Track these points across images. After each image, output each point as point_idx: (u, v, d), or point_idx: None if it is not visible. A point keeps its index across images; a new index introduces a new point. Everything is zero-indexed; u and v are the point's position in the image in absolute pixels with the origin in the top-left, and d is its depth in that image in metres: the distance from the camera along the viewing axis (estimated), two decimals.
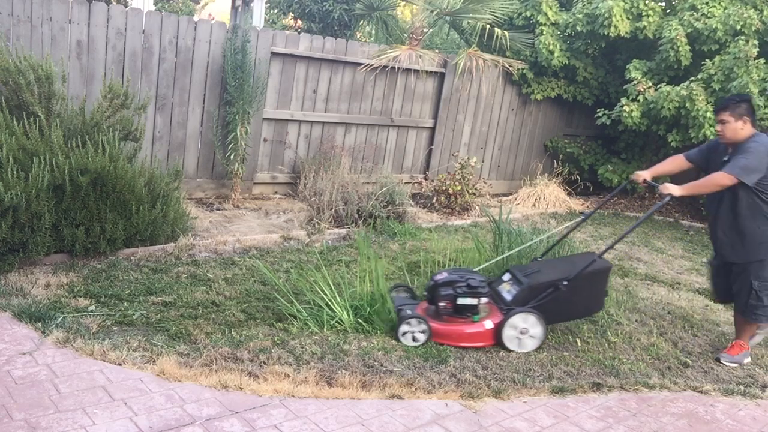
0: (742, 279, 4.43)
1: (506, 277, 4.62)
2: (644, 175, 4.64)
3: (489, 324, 4.29)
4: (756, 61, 7.82)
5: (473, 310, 4.31)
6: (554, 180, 9.41)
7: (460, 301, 4.27)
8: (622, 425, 3.56)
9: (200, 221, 6.16)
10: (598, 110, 9.06)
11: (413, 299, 4.64)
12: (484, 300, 4.31)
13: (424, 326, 4.19)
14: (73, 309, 4.06)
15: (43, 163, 4.54)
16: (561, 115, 10.13)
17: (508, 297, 4.44)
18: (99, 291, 4.38)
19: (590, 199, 9.74)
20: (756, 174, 4.16)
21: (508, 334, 4.27)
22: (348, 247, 6.12)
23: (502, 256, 5.19)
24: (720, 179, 4.18)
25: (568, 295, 4.35)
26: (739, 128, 4.24)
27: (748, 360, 4.60)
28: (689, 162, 4.70)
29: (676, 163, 4.72)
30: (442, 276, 4.39)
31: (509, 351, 4.26)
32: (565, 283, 4.33)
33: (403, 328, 4.18)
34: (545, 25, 9.05)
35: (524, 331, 4.28)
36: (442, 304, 4.29)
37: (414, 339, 4.19)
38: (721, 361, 4.52)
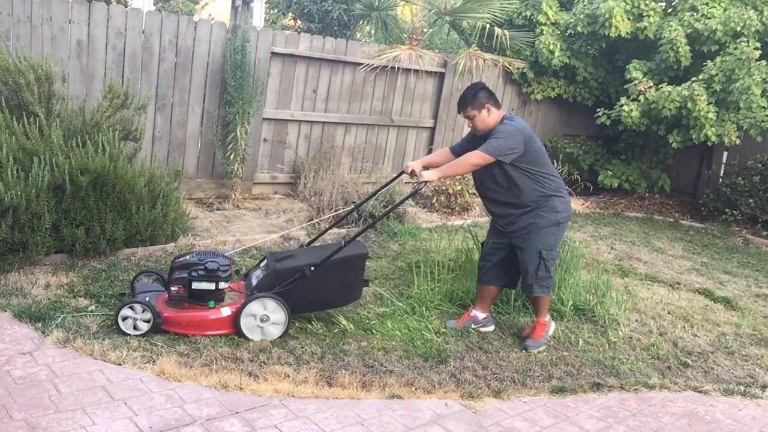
0: (530, 253, 4.27)
1: (263, 263, 4.34)
2: (413, 166, 4.42)
3: (226, 311, 3.97)
4: (757, 62, 7.83)
5: (212, 295, 3.96)
6: None
7: (195, 285, 3.92)
8: (622, 425, 3.56)
9: (200, 221, 6.16)
10: (598, 110, 9.06)
11: (162, 286, 4.24)
12: (223, 285, 3.96)
13: (148, 315, 3.84)
14: (73, 309, 4.06)
15: (43, 163, 4.54)
16: (561, 115, 10.13)
17: (254, 282, 4.15)
18: (99, 291, 4.38)
19: (590, 199, 9.74)
20: (511, 153, 4.10)
21: (246, 321, 3.96)
22: None
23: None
24: (474, 159, 4.08)
25: (316, 282, 4.08)
26: (486, 117, 4.28)
27: (552, 330, 4.48)
28: (453, 154, 4.56)
29: (443, 155, 4.61)
30: (182, 259, 4.05)
31: (248, 340, 3.94)
32: (312, 268, 4.05)
33: (125, 312, 3.81)
34: (545, 24, 9.05)
35: (264, 318, 3.97)
36: (174, 288, 3.94)
37: (135, 327, 3.84)
38: (530, 350, 4.32)
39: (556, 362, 4.20)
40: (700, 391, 4.08)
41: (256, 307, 3.96)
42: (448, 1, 8.54)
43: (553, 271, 4.38)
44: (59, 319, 3.85)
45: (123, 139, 5.24)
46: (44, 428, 2.85)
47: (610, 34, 8.48)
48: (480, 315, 4.59)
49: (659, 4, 8.98)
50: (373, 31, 11.33)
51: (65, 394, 3.14)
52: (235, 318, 3.95)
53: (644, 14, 8.59)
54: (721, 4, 8.51)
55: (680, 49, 8.25)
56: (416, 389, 3.61)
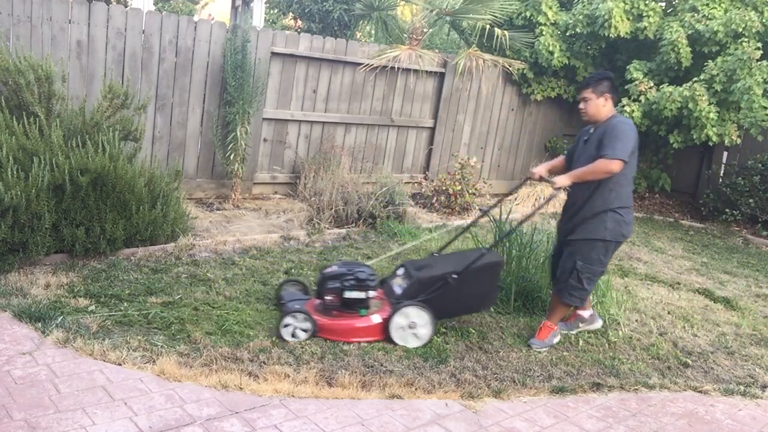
0: (568, 257, 4.37)
1: (400, 271, 4.53)
2: (538, 171, 4.52)
3: (377, 318, 4.17)
4: (759, 63, 7.83)
5: (361, 304, 4.17)
6: None
7: (348, 294, 4.14)
8: (622, 425, 3.55)
9: (200, 221, 6.16)
10: None
11: (305, 294, 4.51)
12: (372, 294, 4.18)
13: (308, 323, 4.04)
14: (73, 309, 4.06)
15: (43, 163, 4.54)
16: (561, 115, 10.13)
17: (398, 291, 4.35)
18: (99, 291, 4.38)
19: None
20: (629, 156, 4.13)
21: (396, 328, 4.15)
22: (348, 247, 6.12)
23: (390, 253, 4.99)
24: (611, 166, 4.05)
25: (457, 289, 4.25)
26: (601, 105, 4.24)
27: (557, 339, 4.50)
28: (566, 158, 4.64)
29: (561, 160, 4.68)
30: (332, 269, 4.26)
31: (396, 345, 4.13)
32: (454, 276, 4.23)
33: (286, 320, 4.02)
34: (545, 25, 9.04)
35: (412, 325, 4.16)
36: (329, 297, 4.16)
37: (293, 335, 4.03)
38: (533, 348, 4.36)
39: (556, 362, 4.20)
40: (700, 391, 4.07)
41: (405, 314, 4.15)
42: (449, 1, 8.54)
43: (588, 285, 4.37)
44: (59, 319, 3.85)
45: (123, 139, 5.24)
46: (44, 428, 2.85)
47: (610, 35, 8.48)
48: (585, 313, 4.65)
49: (659, 4, 8.97)
50: (373, 31, 11.32)
51: (65, 394, 3.14)
52: (385, 325, 4.15)
53: (644, 15, 8.59)
54: (722, 4, 8.51)
55: (681, 50, 8.25)
56: (416, 389, 3.61)
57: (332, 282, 4.16)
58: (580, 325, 4.70)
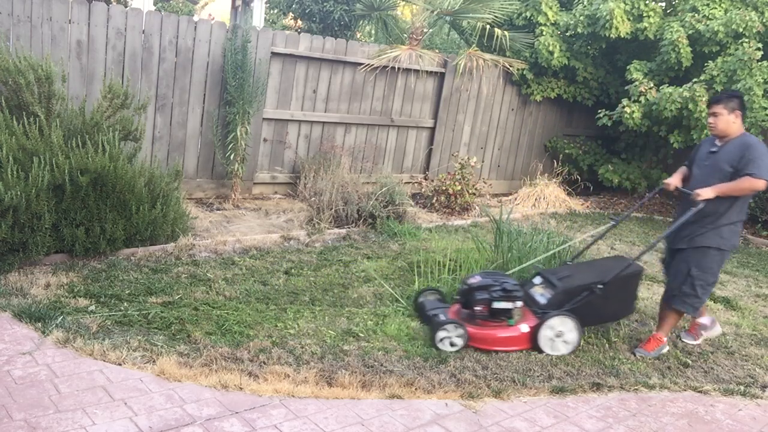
0: (681, 264, 4.44)
1: (537, 280, 4.64)
2: (674, 182, 4.65)
3: (525, 328, 4.30)
4: (759, 63, 7.83)
5: (508, 314, 4.31)
6: (554, 180, 9.41)
7: (496, 305, 4.27)
8: (622, 425, 3.55)
9: (200, 221, 6.16)
10: (599, 111, 9.06)
11: (443, 303, 4.64)
12: (519, 304, 4.32)
13: (461, 330, 4.18)
14: (73, 309, 4.06)
15: (43, 163, 4.54)
16: (561, 115, 10.13)
17: (542, 300, 4.46)
18: (99, 291, 4.38)
19: (590, 199, 9.74)
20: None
21: (545, 337, 4.29)
22: (348, 247, 6.12)
23: (535, 260, 5.12)
24: (757, 185, 4.17)
25: (602, 298, 4.38)
26: (731, 121, 4.32)
27: (665, 350, 4.57)
28: (687, 169, 4.76)
29: (683, 171, 4.78)
30: (476, 280, 4.37)
31: (543, 353, 4.28)
32: (600, 286, 4.36)
33: (441, 334, 4.16)
34: (545, 25, 9.04)
35: (559, 334, 4.31)
36: (478, 308, 4.27)
37: (452, 344, 4.17)
38: (636, 355, 4.49)
39: (556, 362, 4.20)
40: (700, 391, 4.08)
41: (553, 323, 4.29)
42: (449, 1, 8.54)
43: (702, 293, 4.43)
44: (59, 319, 3.85)
45: (123, 139, 5.24)
46: (44, 428, 2.85)
47: (611, 35, 8.48)
48: (705, 320, 4.73)
49: (659, 4, 8.97)
50: (373, 31, 11.33)
51: (65, 394, 3.14)
52: (533, 334, 4.28)
53: (644, 15, 8.59)
54: (722, 4, 8.51)
55: (682, 50, 8.25)
56: (416, 389, 3.61)
57: (481, 293, 4.27)
58: (702, 333, 4.80)
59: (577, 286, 4.41)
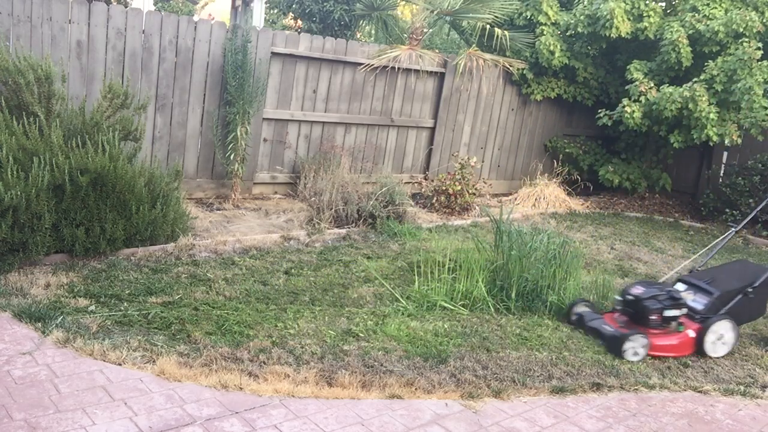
0: None
1: (682, 287, 4.89)
2: None
3: (691, 333, 4.57)
4: (759, 63, 7.83)
5: (677, 320, 4.59)
6: (554, 180, 9.41)
7: (667, 313, 4.53)
8: (622, 425, 3.55)
9: (200, 221, 6.16)
10: (599, 111, 9.06)
11: (596, 312, 4.88)
12: (684, 311, 4.60)
13: (645, 341, 4.41)
14: (73, 309, 4.06)
15: (43, 163, 4.54)
16: (561, 115, 10.13)
17: (698, 306, 4.73)
18: (99, 291, 4.38)
19: (590, 199, 9.74)
20: None
21: (709, 341, 4.57)
22: (348, 247, 6.12)
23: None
24: None
25: (749, 300, 4.73)
26: None
27: None
28: None
29: None
30: (641, 290, 4.60)
31: (707, 357, 4.56)
32: (751, 289, 4.74)
33: (628, 345, 4.39)
34: (546, 25, 9.04)
35: (720, 336, 4.60)
36: (653, 317, 4.51)
37: (635, 354, 4.40)
38: None
39: (556, 362, 4.20)
40: (700, 391, 4.08)
41: (716, 327, 4.58)
42: (449, 1, 8.53)
43: None
44: (59, 319, 3.85)
45: (123, 139, 5.24)
46: (44, 428, 2.85)
47: (611, 35, 8.48)
48: None
49: (659, 4, 8.97)
50: (373, 31, 11.32)
51: (65, 394, 3.14)
52: (698, 338, 4.56)
53: (644, 15, 8.59)
54: (722, 4, 8.51)
55: (682, 50, 8.25)
56: (416, 389, 3.61)
57: (652, 302, 4.51)
58: None
59: (732, 290, 4.75)
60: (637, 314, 4.58)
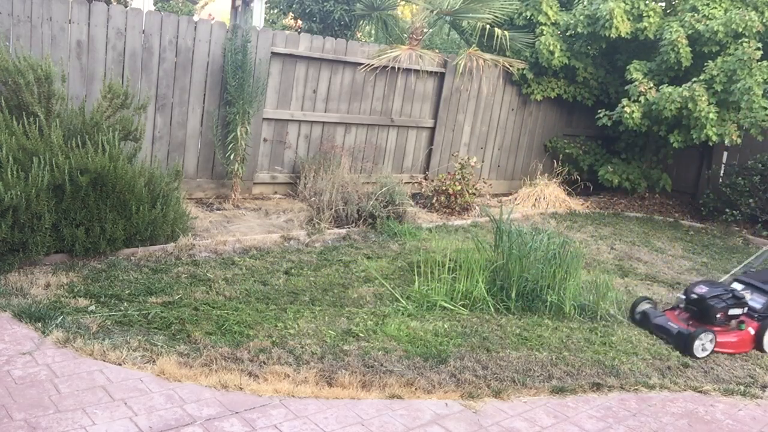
0: None
1: (740, 286, 5.07)
2: None
3: (752, 330, 4.79)
4: (759, 63, 7.83)
5: (739, 318, 4.80)
6: (554, 180, 9.41)
7: (732, 311, 4.74)
8: (622, 425, 3.55)
9: (200, 221, 6.16)
10: (599, 111, 9.06)
11: (656, 309, 5.09)
12: (746, 309, 4.80)
13: (711, 336, 4.60)
14: (73, 309, 4.06)
15: (42, 163, 4.54)
16: (561, 115, 10.13)
17: (757, 305, 4.92)
18: (99, 291, 4.38)
19: (590, 199, 9.74)
20: None
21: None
22: (348, 247, 6.12)
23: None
24: None
25: None
26: None
27: None
28: None
29: None
30: (705, 289, 4.80)
31: (765, 353, 4.78)
32: None
33: (698, 342, 4.56)
34: (546, 25, 9.04)
35: None
36: (719, 315, 4.70)
37: (703, 349, 4.59)
38: None
39: (556, 362, 4.20)
40: (700, 391, 4.08)
41: None
42: (449, 1, 8.53)
43: None
44: (59, 319, 3.85)
45: (123, 139, 5.24)
46: (44, 428, 2.85)
47: (611, 35, 8.48)
48: None
49: (659, 4, 8.97)
50: (373, 31, 11.32)
51: (65, 394, 3.14)
52: (757, 336, 4.80)
53: (644, 15, 8.59)
54: (722, 4, 8.51)
55: (681, 50, 8.25)
56: (416, 389, 3.61)
57: (716, 301, 4.72)
58: None
59: None
60: (701, 312, 4.75)
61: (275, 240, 5.97)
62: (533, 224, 7.85)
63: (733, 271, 5.63)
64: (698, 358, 4.55)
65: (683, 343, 4.60)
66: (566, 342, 4.55)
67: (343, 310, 4.62)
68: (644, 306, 5.09)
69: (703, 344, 4.59)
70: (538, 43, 8.96)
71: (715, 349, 4.65)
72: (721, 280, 5.28)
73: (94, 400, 3.11)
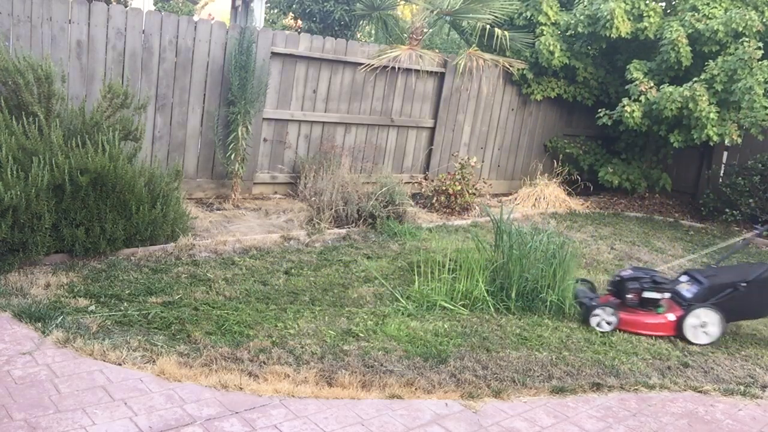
0: None
1: (683, 278, 5.18)
2: None
3: (671, 316, 4.87)
4: (759, 62, 7.83)
5: (657, 303, 4.89)
6: (554, 180, 9.41)
7: (646, 294, 4.87)
8: (622, 425, 3.55)
9: (200, 221, 6.16)
10: (600, 110, 9.06)
11: (594, 292, 5.23)
12: (666, 295, 4.91)
13: (612, 312, 4.79)
14: (73, 309, 4.06)
15: (42, 162, 4.54)
16: (561, 115, 10.13)
17: (687, 294, 4.99)
18: (99, 291, 4.38)
19: (590, 199, 9.74)
20: None
21: (690, 325, 4.81)
22: (348, 247, 6.12)
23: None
24: None
25: (745, 295, 4.85)
26: None
27: None
28: None
29: None
30: (627, 272, 5.01)
31: (689, 342, 4.80)
32: (744, 284, 4.85)
33: (594, 318, 4.80)
34: (546, 25, 9.04)
35: (703, 324, 4.81)
36: (629, 296, 4.88)
37: (608, 323, 4.79)
38: None
39: (556, 362, 4.20)
40: (700, 391, 4.08)
41: (698, 313, 4.82)
42: (449, 1, 8.53)
43: None
44: (59, 319, 3.85)
45: (123, 139, 5.24)
46: (44, 428, 2.85)
47: (611, 35, 8.48)
48: None
49: (659, 4, 8.97)
50: (373, 31, 11.32)
51: (65, 394, 3.14)
52: (679, 323, 4.84)
53: (644, 15, 8.59)
54: (722, 4, 8.51)
55: (681, 50, 8.25)
56: (416, 389, 3.61)
57: (633, 283, 4.89)
58: None
59: (722, 283, 4.92)
60: (618, 293, 4.98)
61: (275, 240, 5.97)
62: (533, 224, 7.85)
63: (677, 262, 5.72)
64: (598, 332, 4.74)
65: (583, 315, 4.88)
66: (566, 342, 4.55)
67: (343, 310, 4.62)
68: (579, 287, 5.21)
69: (604, 319, 4.79)
70: (538, 43, 8.96)
71: (625, 328, 4.80)
72: (661, 267, 5.38)
73: (94, 400, 3.11)
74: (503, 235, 5.42)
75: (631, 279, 4.93)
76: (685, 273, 5.26)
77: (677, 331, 4.84)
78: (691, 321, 4.81)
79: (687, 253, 7.54)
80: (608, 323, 4.81)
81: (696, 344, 4.77)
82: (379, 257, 5.94)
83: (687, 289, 5.05)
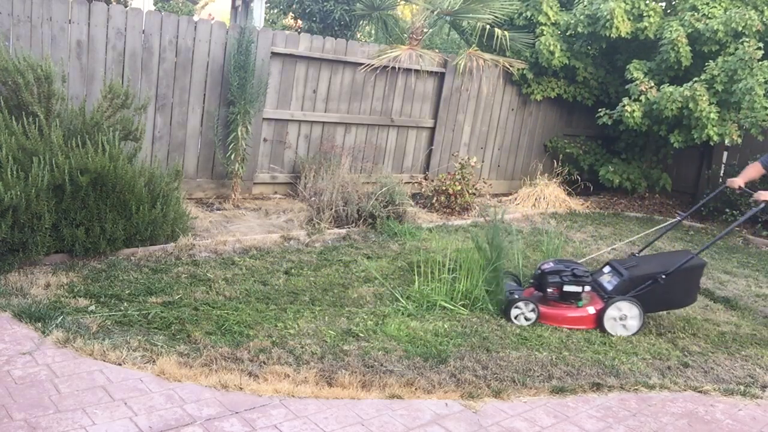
0: None
1: (606, 269, 5.14)
2: (738, 182, 5.02)
3: (591, 310, 4.82)
4: (760, 63, 7.83)
5: (577, 296, 4.82)
6: (554, 180, 9.41)
7: (566, 288, 4.78)
8: (622, 425, 3.55)
9: (200, 221, 6.16)
10: (600, 110, 9.06)
11: (519, 286, 5.19)
12: (587, 288, 4.82)
13: (532, 307, 4.73)
14: (73, 309, 4.06)
15: (42, 163, 4.54)
16: (561, 115, 10.13)
17: (608, 287, 4.95)
18: (99, 291, 4.38)
19: (590, 199, 9.74)
20: None
21: (610, 317, 4.76)
22: (348, 247, 6.12)
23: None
24: None
25: (665, 287, 4.80)
26: None
27: None
28: (764, 169, 5.11)
29: (756, 169, 5.08)
30: (549, 266, 4.89)
31: (609, 335, 4.74)
32: (664, 276, 4.78)
33: (514, 311, 4.74)
34: (546, 25, 9.04)
35: (623, 317, 4.77)
36: (550, 290, 4.81)
37: (526, 319, 4.73)
38: None
39: (556, 362, 4.20)
40: (700, 391, 4.07)
41: (618, 307, 4.77)
42: (449, 1, 8.53)
43: None
44: (59, 319, 3.85)
45: (123, 139, 5.24)
46: (44, 428, 2.85)
47: (611, 35, 8.48)
48: None
49: (659, 4, 8.97)
50: (373, 32, 11.33)
51: (65, 394, 3.14)
52: (599, 316, 4.79)
53: (644, 14, 8.59)
54: (722, 4, 8.51)
55: (681, 50, 8.25)
56: (416, 389, 3.61)
57: (553, 276, 4.81)
58: None
59: (642, 275, 4.86)
60: (539, 286, 4.91)
61: (275, 240, 5.98)
62: (533, 224, 7.85)
63: (603, 251, 5.74)
64: (516, 325, 4.69)
65: (503, 309, 4.83)
66: (566, 342, 4.55)
67: (343, 310, 4.63)
68: (507, 279, 5.16)
69: (523, 313, 4.75)
70: (538, 43, 8.96)
71: (547, 321, 4.77)
72: (583, 259, 5.30)
73: (94, 400, 3.11)
74: (498, 234, 5.42)
75: (552, 272, 4.83)
76: (608, 264, 5.19)
77: (598, 325, 4.79)
78: (611, 313, 4.76)
79: None
80: (527, 319, 4.76)
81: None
82: (379, 257, 5.94)
83: (608, 281, 5.01)
